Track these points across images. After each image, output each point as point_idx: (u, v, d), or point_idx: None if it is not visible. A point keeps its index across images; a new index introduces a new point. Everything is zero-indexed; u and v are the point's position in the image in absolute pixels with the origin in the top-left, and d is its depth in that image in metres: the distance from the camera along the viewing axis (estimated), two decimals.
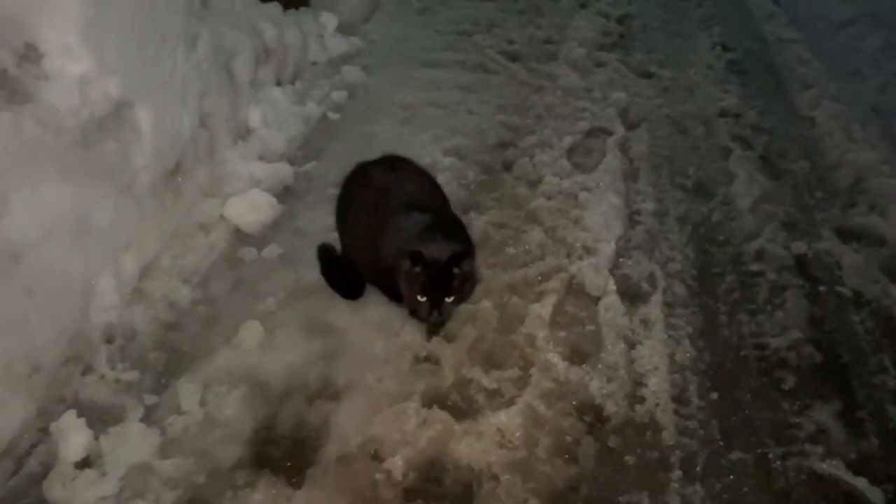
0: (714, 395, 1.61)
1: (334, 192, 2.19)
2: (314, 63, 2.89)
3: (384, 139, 2.53)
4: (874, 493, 1.40)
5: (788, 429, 1.54)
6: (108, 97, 1.57)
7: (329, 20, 3.06)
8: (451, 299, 1.53)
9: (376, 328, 1.77)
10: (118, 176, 1.66)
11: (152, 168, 1.80)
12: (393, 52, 3.23)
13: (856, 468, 1.45)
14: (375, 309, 1.82)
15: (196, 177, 2.07)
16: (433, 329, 1.71)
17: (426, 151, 2.44)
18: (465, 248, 1.55)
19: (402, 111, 2.74)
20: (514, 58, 3.20)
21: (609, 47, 3.34)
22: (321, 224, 2.09)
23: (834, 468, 1.45)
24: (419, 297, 1.52)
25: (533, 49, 3.29)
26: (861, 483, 1.41)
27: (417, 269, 1.50)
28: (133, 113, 1.69)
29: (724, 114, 2.79)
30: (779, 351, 1.73)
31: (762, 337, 1.77)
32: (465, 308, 1.80)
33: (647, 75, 3.09)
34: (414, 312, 1.62)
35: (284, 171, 2.31)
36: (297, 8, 2.97)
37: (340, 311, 1.82)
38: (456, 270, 1.52)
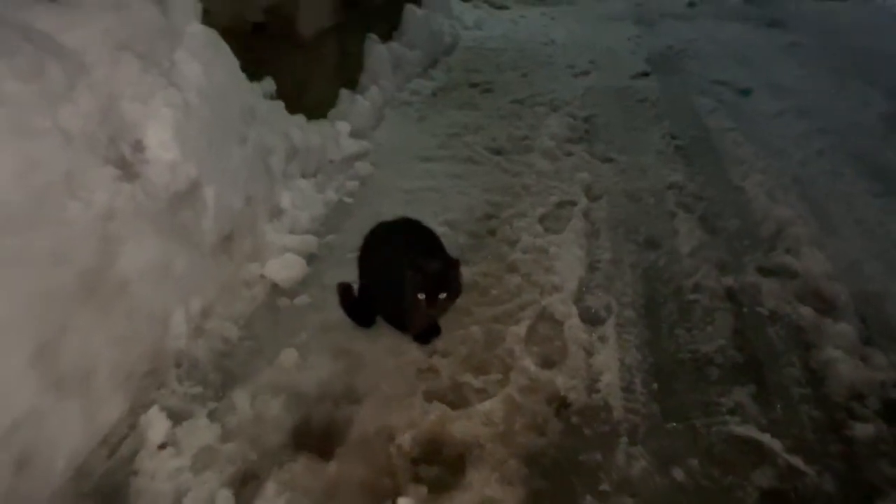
0: (655, 386, 2.04)
1: (351, 255, 2.72)
2: (331, 161, 3.52)
3: (390, 216, 3.08)
4: (775, 443, 1.80)
5: (713, 406, 1.96)
6: (188, 178, 2.14)
7: (343, 127, 3.73)
8: (444, 296, 2.01)
9: (388, 351, 2.23)
10: (191, 237, 2.20)
11: (213, 233, 2.33)
12: (396, 151, 3.87)
13: (763, 428, 1.86)
14: (388, 338, 2.28)
15: (243, 245, 2.60)
16: (429, 332, 2.22)
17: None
18: (452, 261, 2.07)
19: (405, 195, 3.32)
20: (496, 152, 3.84)
21: (576, 140, 3.99)
22: (340, 279, 2.59)
23: (746, 429, 1.86)
24: (419, 296, 1.98)
25: (512, 144, 3.93)
26: (766, 438, 1.82)
27: (419, 276, 1.98)
28: (203, 191, 2.25)
29: (671, 186, 3.36)
30: (708, 354, 2.17)
31: (695, 345, 2.22)
32: (458, 334, 2.28)
33: (608, 160, 3.70)
34: (417, 323, 2.13)
35: (310, 241, 2.85)
36: (317, 119, 3.64)
37: (359, 340, 2.28)
38: (446, 274, 2.03)
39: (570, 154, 3.79)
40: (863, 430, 1.85)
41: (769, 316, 2.35)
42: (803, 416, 1.92)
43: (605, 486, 1.72)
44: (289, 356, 2.21)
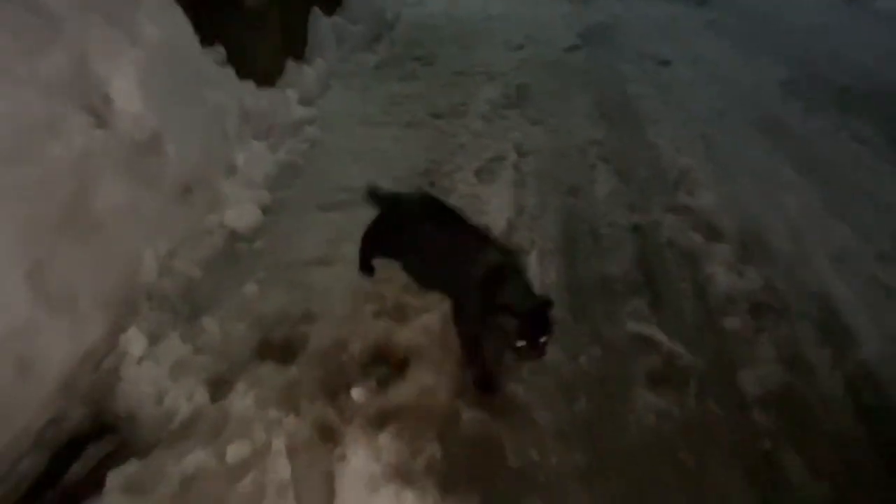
0: (568, 299, 2.41)
1: (299, 208, 3.01)
2: (282, 125, 3.76)
3: (337, 175, 3.37)
4: (661, 336, 2.19)
5: (615, 312, 2.34)
6: (150, 129, 2.37)
7: (291, 94, 3.97)
8: (545, 339, 1.73)
9: (339, 281, 2.52)
10: (156, 183, 2.43)
11: (175, 182, 2.57)
12: (342, 117, 4.13)
13: (653, 325, 2.25)
14: (339, 270, 2.58)
15: (202, 196, 2.84)
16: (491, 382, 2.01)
17: (371, 180, 3.28)
18: (549, 300, 1.77)
19: (351, 156, 3.60)
20: (436, 116, 4.15)
21: (510, 106, 4.34)
22: (290, 229, 2.88)
23: (640, 327, 2.24)
24: (517, 343, 1.71)
25: (451, 110, 4.24)
26: (654, 331, 2.21)
27: (516, 322, 1.70)
28: (164, 142, 2.48)
29: (593, 143, 3.74)
30: (614, 274, 2.55)
31: (604, 268, 2.60)
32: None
33: (538, 122, 4.06)
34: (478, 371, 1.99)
35: (264, 195, 3.10)
36: (266, 87, 3.86)
37: (313, 274, 2.57)
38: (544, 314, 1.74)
39: (503, 118, 4.13)
40: (731, 323, 2.26)
41: (667, 244, 2.75)
42: (686, 316, 2.32)
43: (523, 373, 2.07)
44: (250, 289, 2.49)
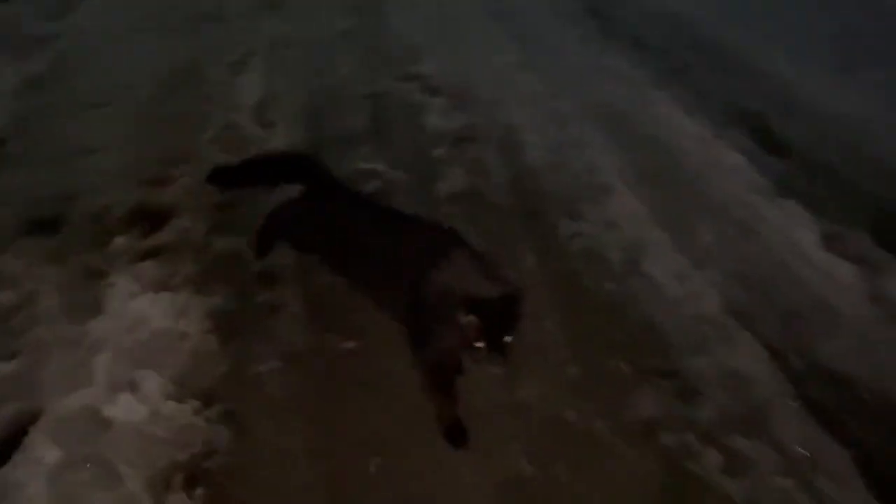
0: (314, 151, 2.86)
1: (57, 110, 3.11)
2: (24, 39, 3.70)
3: (97, 78, 3.47)
4: (383, 167, 2.75)
5: (350, 156, 2.83)
6: None
7: (29, 10, 3.88)
8: (510, 338, 1.40)
9: (103, 164, 2.75)
10: None
11: None
12: (98, 28, 4.08)
13: (378, 161, 2.79)
14: (103, 155, 2.80)
15: None
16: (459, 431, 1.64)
17: (124, 75, 3.44)
18: (518, 288, 1.45)
19: (110, 59, 3.67)
20: (196, 20, 4.25)
21: (269, 8, 4.53)
22: (49, 128, 3.02)
23: (368, 164, 2.77)
24: (476, 344, 1.40)
25: (211, 15, 4.34)
26: (380, 166, 2.76)
27: (470, 316, 1.38)
28: None
29: (342, 33, 4.13)
30: (352, 130, 3.05)
31: (344, 127, 3.07)
32: (157, 146, 2.86)
33: (293, 21, 4.33)
34: (445, 411, 1.61)
35: (9, 104, 3.15)
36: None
37: (77, 162, 2.76)
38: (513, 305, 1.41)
39: (262, 18, 4.35)
40: (437, 152, 2.88)
41: (395, 104, 3.30)
42: (404, 152, 2.89)
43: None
44: (11, 181, 2.64)
